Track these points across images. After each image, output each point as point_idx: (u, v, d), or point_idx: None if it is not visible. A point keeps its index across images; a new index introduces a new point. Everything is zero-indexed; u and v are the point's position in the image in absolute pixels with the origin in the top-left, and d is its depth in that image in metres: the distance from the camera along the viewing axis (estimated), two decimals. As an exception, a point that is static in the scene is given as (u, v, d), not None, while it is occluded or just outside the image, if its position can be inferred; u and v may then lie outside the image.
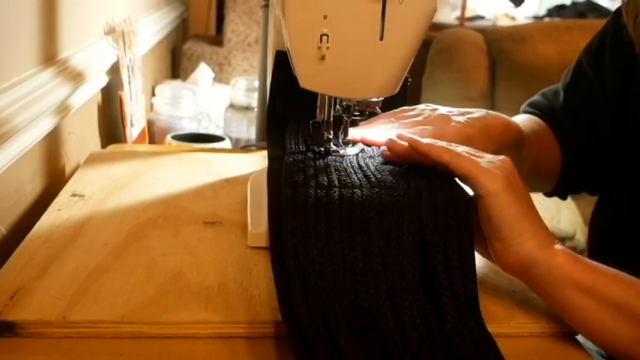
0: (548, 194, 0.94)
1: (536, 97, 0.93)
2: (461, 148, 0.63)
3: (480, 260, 0.67)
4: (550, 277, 0.57)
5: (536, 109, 0.91)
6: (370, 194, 0.59)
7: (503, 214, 0.57)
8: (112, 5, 1.29)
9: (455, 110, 0.75)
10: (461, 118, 0.72)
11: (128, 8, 1.42)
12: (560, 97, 0.89)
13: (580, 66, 0.88)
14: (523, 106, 0.93)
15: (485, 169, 0.59)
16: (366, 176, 0.62)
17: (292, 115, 0.77)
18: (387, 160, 0.67)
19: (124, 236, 0.69)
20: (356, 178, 0.62)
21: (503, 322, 0.58)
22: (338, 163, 0.66)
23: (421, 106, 0.77)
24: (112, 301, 0.56)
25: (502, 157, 0.62)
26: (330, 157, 0.67)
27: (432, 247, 0.56)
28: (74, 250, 0.65)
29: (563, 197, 0.94)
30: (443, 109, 0.75)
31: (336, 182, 0.61)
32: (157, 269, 0.62)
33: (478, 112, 0.74)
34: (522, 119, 0.88)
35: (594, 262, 0.58)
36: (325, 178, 0.61)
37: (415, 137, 0.64)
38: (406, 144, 0.64)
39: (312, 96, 0.69)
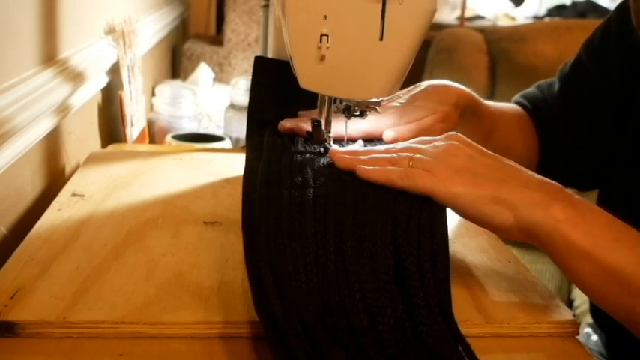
0: None
1: (530, 89, 0.93)
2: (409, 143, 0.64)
3: (480, 261, 0.67)
4: (551, 239, 0.56)
5: (525, 100, 0.91)
6: (344, 194, 0.58)
7: (479, 208, 0.57)
8: (112, 5, 1.29)
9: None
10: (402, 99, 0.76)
11: (128, 8, 1.42)
12: (555, 88, 0.89)
13: (580, 60, 0.88)
14: (516, 97, 0.93)
15: (439, 179, 0.58)
16: (339, 177, 0.62)
17: (272, 120, 0.77)
18: None
19: (124, 236, 0.69)
20: (331, 179, 0.62)
21: (504, 322, 0.58)
22: (315, 163, 0.65)
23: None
24: (112, 301, 0.56)
25: (450, 133, 0.63)
26: (307, 156, 0.67)
27: (405, 247, 0.55)
28: (74, 250, 0.65)
29: None
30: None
31: (311, 182, 0.61)
32: (157, 269, 0.62)
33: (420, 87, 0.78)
34: (498, 104, 0.89)
35: (597, 222, 0.57)
36: (300, 178, 0.61)
37: (365, 168, 0.62)
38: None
39: (294, 102, 0.69)
